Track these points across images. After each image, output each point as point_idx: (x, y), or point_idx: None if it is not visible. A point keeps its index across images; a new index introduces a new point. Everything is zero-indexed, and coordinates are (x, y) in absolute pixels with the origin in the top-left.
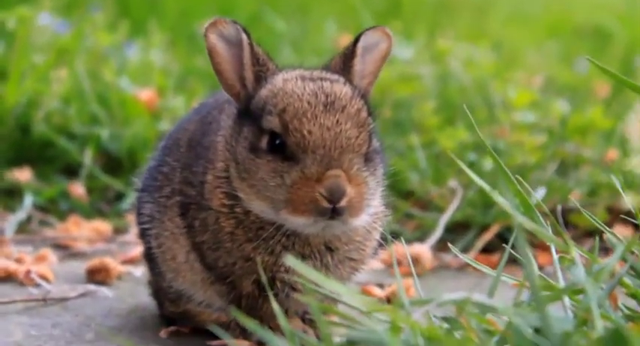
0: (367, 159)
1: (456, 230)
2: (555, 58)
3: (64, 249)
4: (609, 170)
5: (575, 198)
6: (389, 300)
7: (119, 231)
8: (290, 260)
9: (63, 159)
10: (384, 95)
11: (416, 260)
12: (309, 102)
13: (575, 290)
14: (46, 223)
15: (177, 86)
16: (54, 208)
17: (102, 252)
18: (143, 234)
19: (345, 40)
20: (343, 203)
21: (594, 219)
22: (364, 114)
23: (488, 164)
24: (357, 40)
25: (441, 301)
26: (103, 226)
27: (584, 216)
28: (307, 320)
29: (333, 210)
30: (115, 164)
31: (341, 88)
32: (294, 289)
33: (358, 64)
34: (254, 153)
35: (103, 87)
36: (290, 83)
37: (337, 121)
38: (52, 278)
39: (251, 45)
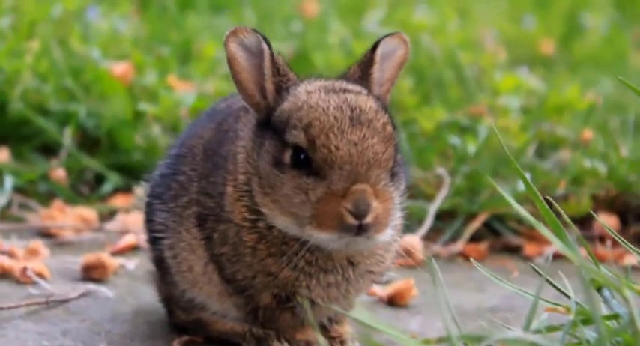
0: (392, 173)
1: (443, 218)
2: (503, 13)
3: (51, 238)
4: (589, 154)
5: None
6: (390, 300)
7: (104, 217)
8: None
9: (40, 138)
10: None
11: (408, 253)
12: (335, 117)
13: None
14: (26, 207)
15: (147, 58)
16: (32, 190)
17: (90, 242)
18: (154, 242)
19: (308, 6)
20: (369, 219)
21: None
22: (390, 128)
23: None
24: (375, 48)
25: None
26: (88, 213)
27: (570, 204)
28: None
29: (359, 226)
30: (93, 143)
31: (366, 101)
32: (313, 303)
33: (377, 72)
34: (278, 168)
35: (75, 61)
36: (314, 96)
37: (364, 136)
38: (48, 275)
39: (272, 55)
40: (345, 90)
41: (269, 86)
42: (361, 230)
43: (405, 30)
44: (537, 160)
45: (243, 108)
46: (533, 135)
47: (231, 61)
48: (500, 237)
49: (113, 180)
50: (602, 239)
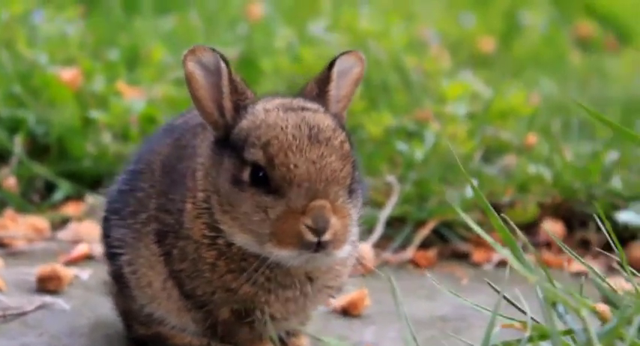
0: (350, 190)
1: (393, 225)
2: (442, 10)
3: (3, 248)
4: (534, 159)
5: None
6: (344, 311)
7: (55, 226)
8: None
9: None
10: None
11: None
12: (293, 135)
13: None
14: None
15: (96, 63)
16: None
17: (43, 251)
18: (112, 257)
19: (253, 8)
20: (328, 236)
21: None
22: (347, 146)
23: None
24: (331, 65)
25: None
26: (40, 222)
27: (517, 211)
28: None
29: (318, 243)
30: (43, 151)
31: (323, 119)
32: (272, 318)
33: (334, 89)
34: (237, 186)
35: (22, 66)
36: (272, 114)
37: (322, 154)
38: (3, 287)
39: (230, 73)
40: (302, 109)
41: (227, 104)
42: (320, 246)
43: (351, 34)
44: (484, 166)
45: (201, 125)
46: (479, 141)
47: (189, 80)
48: (449, 244)
49: (64, 188)
50: (548, 245)
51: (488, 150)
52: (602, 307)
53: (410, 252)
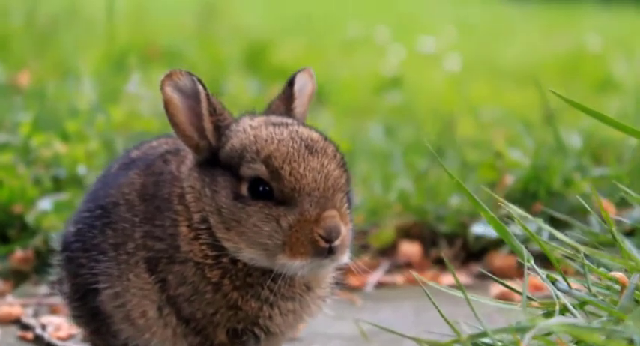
0: (347, 197)
1: None
2: None
3: None
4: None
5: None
6: None
7: None
8: None
9: None
10: None
11: None
12: (292, 147)
13: None
14: None
15: None
16: None
17: None
18: (86, 296)
19: None
20: (338, 242)
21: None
22: (339, 154)
23: None
24: (291, 83)
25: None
26: None
27: (378, 236)
28: None
29: (329, 249)
30: None
31: (311, 132)
32: (269, 333)
33: (298, 106)
34: (240, 202)
35: None
36: (262, 130)
37: (323, 163)
38: None
39: (208, 96)
40: (286, 124)
41: (207, 126)
42: (330, 253)
43: None
44: None
45: (170, 152)
46: None
47: (167, 105)
48: None
49: None
50: (408, 265)
51: None
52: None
53: None
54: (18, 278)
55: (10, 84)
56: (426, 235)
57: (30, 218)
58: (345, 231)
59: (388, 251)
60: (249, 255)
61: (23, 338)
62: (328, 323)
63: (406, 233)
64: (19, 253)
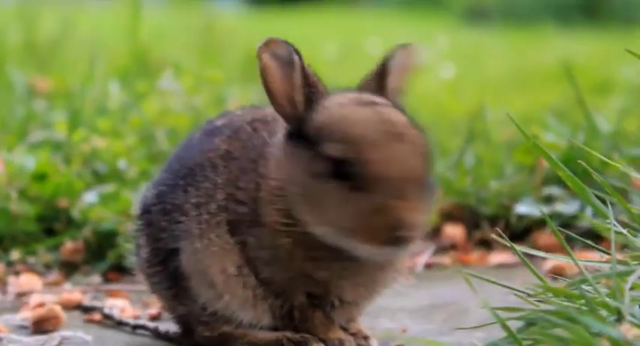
0: (427, 186)
1: None
2: None
3: None
4: None
5: None
6: None
7: None
8: None
9: None
10: None
11: None
12: (376, 132)
13: None
14: None
15: None
16: None
17: None
18: (166, 259)
19: None
20: (412, 233)
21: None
22: (423, 141)
23: None
24: (388, 58)
25: None
26: None
27: None
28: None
29: (402, 239)
30: None
31: (398, 115)
32: (344, 302)
33: (392, 82)
34: (316, 179)
35: None
36: (349, 109)
37: (404, 150)
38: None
39: (303, 66)
40: (375, 104)
41: (299, 97)
42: (403, 242)
43: None
44: None
45: (258, 120)
46: None
47: (263, 72)
48: None
49: None
50: (453, 246)
51: None
52: None
53: None
54: (69, 269)
55: (29, 89)
56: (468, 217)
57: (75, 211)
58: (420, 222)
59: (432, 234)
60: (320, 230)
61: (90, 321)
62: (389, 299)
63: (449, 216)
64: (69, 244)
